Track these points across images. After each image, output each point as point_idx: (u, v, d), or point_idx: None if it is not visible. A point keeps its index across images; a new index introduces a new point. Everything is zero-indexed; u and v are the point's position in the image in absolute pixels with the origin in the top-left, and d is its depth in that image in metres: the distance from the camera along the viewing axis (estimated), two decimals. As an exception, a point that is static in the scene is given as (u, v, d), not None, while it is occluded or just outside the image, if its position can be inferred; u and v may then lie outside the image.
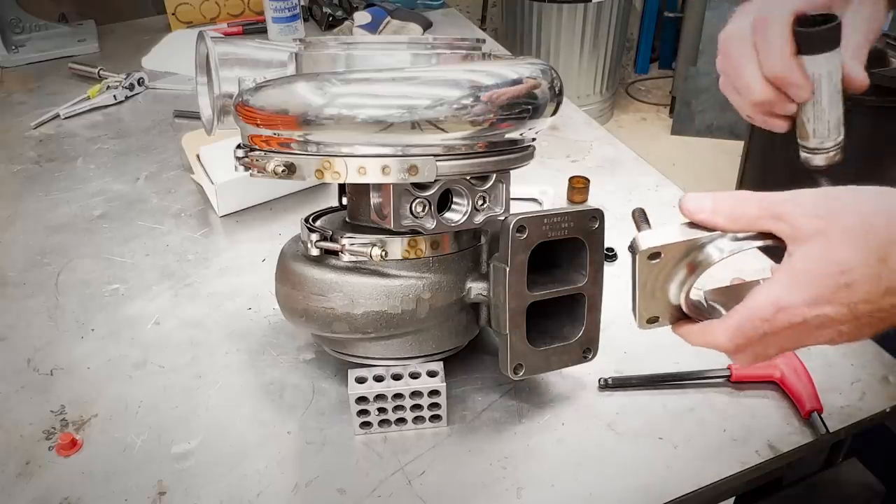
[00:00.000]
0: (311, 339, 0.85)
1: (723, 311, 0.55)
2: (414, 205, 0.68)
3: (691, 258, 0.53)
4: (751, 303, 0.50)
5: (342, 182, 0.66)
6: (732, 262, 0.54)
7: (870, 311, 0.48)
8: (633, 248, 0.53)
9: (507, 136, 0.68)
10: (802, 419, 0.74)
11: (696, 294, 0.56)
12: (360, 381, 0.72)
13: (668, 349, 0.83)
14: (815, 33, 0.58)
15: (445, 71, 0.66)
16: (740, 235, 0.52)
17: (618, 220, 1.04)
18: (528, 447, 0.73)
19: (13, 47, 1.61)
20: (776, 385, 0.77)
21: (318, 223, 0.77)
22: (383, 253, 0.69)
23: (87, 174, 1.20)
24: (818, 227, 0.47)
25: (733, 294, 0.56)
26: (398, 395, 0.72)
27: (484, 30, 2.91)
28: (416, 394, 0.72)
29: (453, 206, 0.72)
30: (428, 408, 0.73)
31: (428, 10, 1.77)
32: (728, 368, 0.78)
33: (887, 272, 0.46)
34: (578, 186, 1.08)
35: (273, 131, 0.65)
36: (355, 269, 0.71)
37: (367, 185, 0.70)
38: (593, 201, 1.09)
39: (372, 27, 1.62)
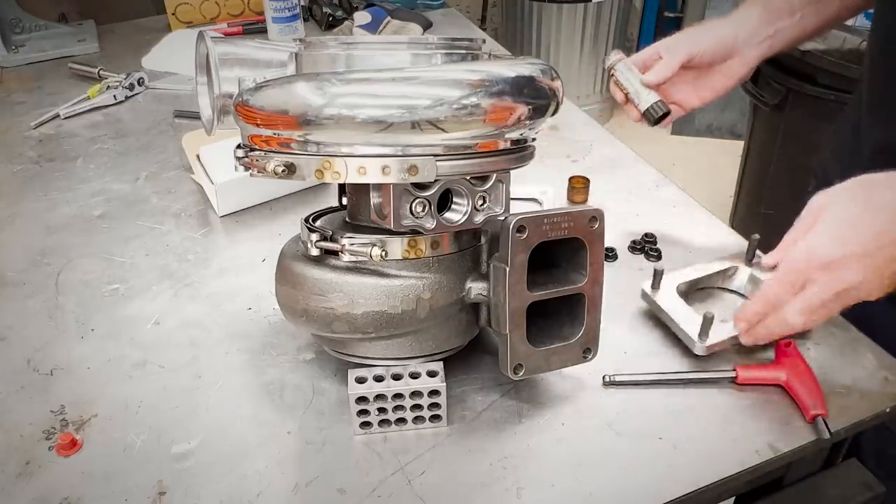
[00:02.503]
0: (311, 339, 0.85)
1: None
2: (414, 205, 0.68)
3: None
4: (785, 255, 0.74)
5: (342, 182, 0.66)
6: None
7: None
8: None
9: (507, 136, 0.68)
10: (803, 419, 0.74)
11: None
12: (360, 381, 0.72)
13: (668, 350, 0.83)
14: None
15: (445, 71, 0.65)
16: None
17: (618, 220, 1.04)
18: (528, 447, 0.73)
19: (13, 47, 1.61)
20: (781, 389, 0.77)
21: (318, 223, 0.77)
22: (383, 253, 0.69)
23: (87, 174, 1.20)
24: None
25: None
26: (398, 395, 0.72)
27: (484, 30, 2.91)
28: (416, 394, 0.72)
29: (453, 206, 0.72)
30: (428, 408, 0.73)
31: (428, 10, 1.77)
32: (734, 370, 0.78)
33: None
34: (578, 186, 1.08)
35: (273, 131, 0.65)
36: (355, 269, 0.71)
37: (367, 185, 0.70)
38: (593, 201, 1.09)
39: (372, 27, 1.62)
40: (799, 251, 0.71)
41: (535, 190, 1.10)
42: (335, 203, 0.84)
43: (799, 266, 0.71)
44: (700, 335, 0.80)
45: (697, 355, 0.81)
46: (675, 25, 3.37)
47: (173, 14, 1.70)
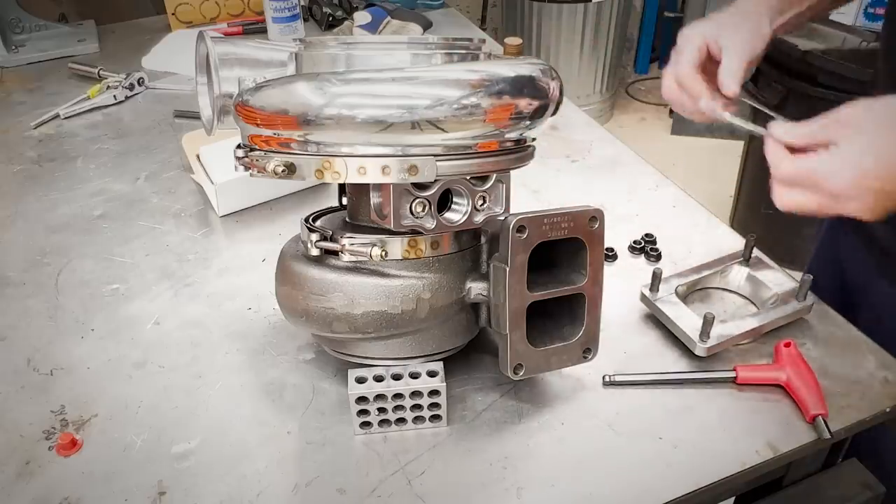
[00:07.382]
0: (311, 339, 0.85)
1: None
2: (414, 205, 0.68)
3: None
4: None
5: (342, 182, 0.66)
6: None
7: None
8: None
9: (507, 136, 0.68)
10: (803, 419, 0.74)
11: None
12: (360, 381, 0.72)
13: (668, 350, 0.83)
14: None
15: (445, 71, 0.65)
16: None
17: (618, 220, 1.04)
18: (528, 447, 0.73)
19: (13, 47, 1.61)
20: (781, 389, 0.77)
21: (318, 223, 0.77)
22: (383, 253, 0.69)
23: (87, 174, 1.20)
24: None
25: None
26: (398, 395, 0.72)
27: (484, 30, 2.91)
28: (416, 394, 0.72)
29: (453, 206, 0.72)
30: (428, 408, 0.73)
31: (428, 10, 1.77)
32: (734, 370, 0.78)
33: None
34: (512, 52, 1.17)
35: (273, 131, 0.65)
36: (355, 269, 0.71)
37: (367, 185, 0.70)
38: (593, 201, 1.09)
39: (372, 27, 1.62)
40: (815, 166, 0.64)
41: (535, 190, 1.09)
42: (335, 203, 0.84)
43: (806, 182, 0.64)
44: (701, 336, 0.80)
45: (697, 355, 0.81)
46: (675, 26, 3.37)
47: (173, 14, 1.69)
